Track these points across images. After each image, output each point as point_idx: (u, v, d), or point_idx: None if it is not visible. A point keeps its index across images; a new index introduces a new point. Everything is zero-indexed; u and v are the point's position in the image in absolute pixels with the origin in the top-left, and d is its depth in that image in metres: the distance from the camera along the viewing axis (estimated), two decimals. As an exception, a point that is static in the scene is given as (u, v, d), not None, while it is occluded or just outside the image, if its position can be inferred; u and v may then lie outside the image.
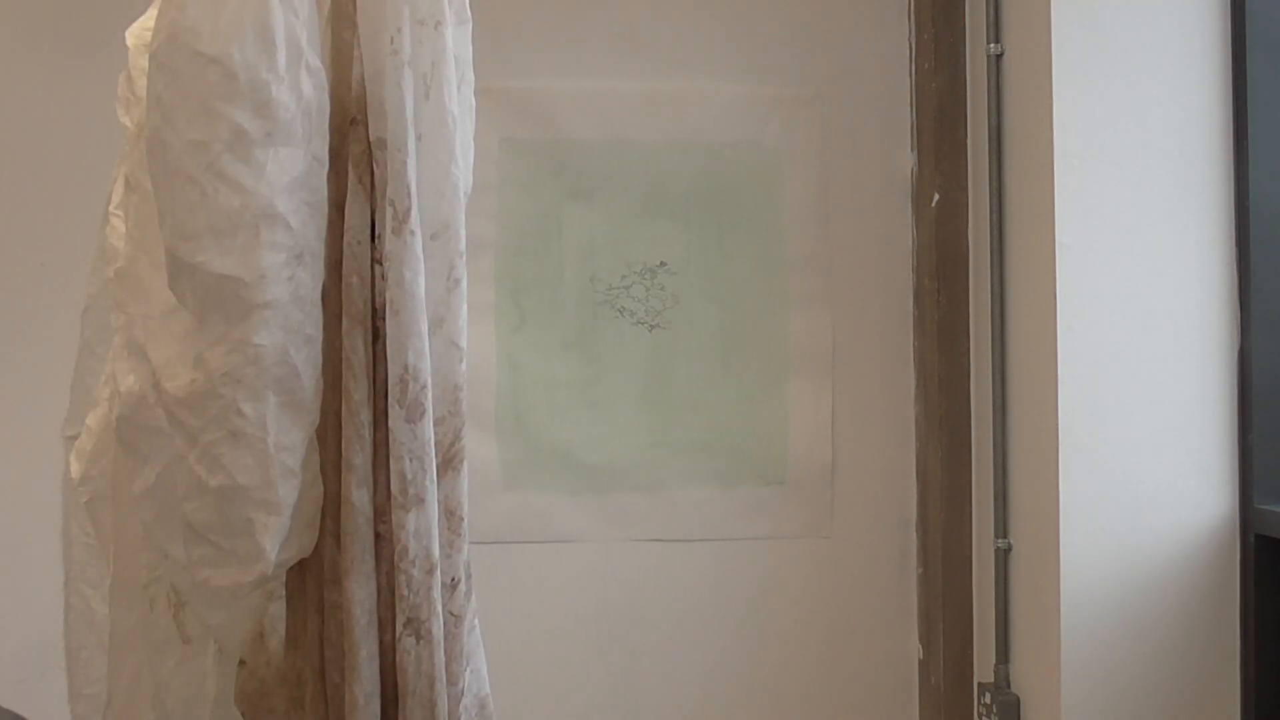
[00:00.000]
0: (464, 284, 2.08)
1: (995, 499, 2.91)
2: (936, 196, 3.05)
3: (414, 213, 1.98)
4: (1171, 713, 2.67)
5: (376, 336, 1.95)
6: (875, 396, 3.17)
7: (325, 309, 1.97)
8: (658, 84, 3.11)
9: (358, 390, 1.93)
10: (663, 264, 3.11)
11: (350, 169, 1.94)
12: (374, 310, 1.94)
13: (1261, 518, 2.64)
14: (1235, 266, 2.69)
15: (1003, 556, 2.90)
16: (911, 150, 3.16)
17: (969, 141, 3.03)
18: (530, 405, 3.09)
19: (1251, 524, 2.66)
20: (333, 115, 1.91)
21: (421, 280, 1.98)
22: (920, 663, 3.16)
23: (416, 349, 1.96)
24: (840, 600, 3.16)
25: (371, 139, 1.93)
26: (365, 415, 1.94)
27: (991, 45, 2.90)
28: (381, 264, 1.94)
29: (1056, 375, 2.66)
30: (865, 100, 3.16)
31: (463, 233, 2.08)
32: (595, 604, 3.11)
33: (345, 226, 1.95)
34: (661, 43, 3.11)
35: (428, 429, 1.98)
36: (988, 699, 2.93)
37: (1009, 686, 2.90)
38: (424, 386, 1.97)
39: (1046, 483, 2.69)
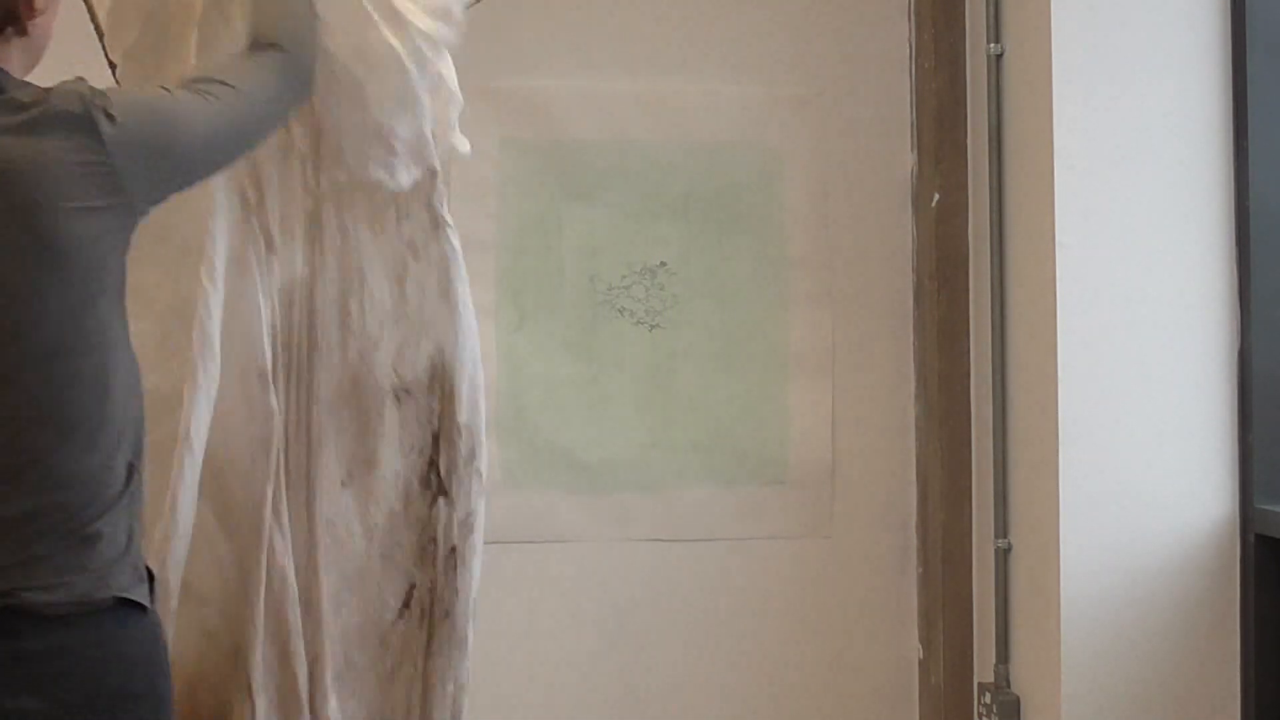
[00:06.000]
0: None
1: (995, 499, 2.91)
2: (936, 196, 3.05)
3: None
4: (1171, 713, 2.67)
5: None
6: (875, 396, 3.17)
7: None
8: (658, 84, 3.11)
9: None
10: (663, 264, 3.11)
11: None
12: None
13: (1261, 518, 2.64)
14: (1235, 266, 2.69)
15: (1003, 556, 2.90)
16: (911, 150, 3.16)
17: (969, 141, 3.03)
18: (530, 405, 3.08)
19: (1251, 524, 2.66)
20: None
21: None
22: (920, 663, 3.16)
23: None
24: (840, 600, 3.16)
25: None
26: None
27: (991, 45, 2.90)
28: None
29: (1056, 375, 2.66)
30: (865, 100, 3.16)
31: None
32: (595, 604, 3.10)
33: None
34: (661, 43, 3.11)
35: None
36: (988, 699, 2.93)
37: (1009, 686, 2.90)
38: None
39: (1046, 483, 2.69)
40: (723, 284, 3.13)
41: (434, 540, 2.16)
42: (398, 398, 2.13)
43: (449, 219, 2.14)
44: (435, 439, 2.16)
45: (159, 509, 1.97)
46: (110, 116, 1.67)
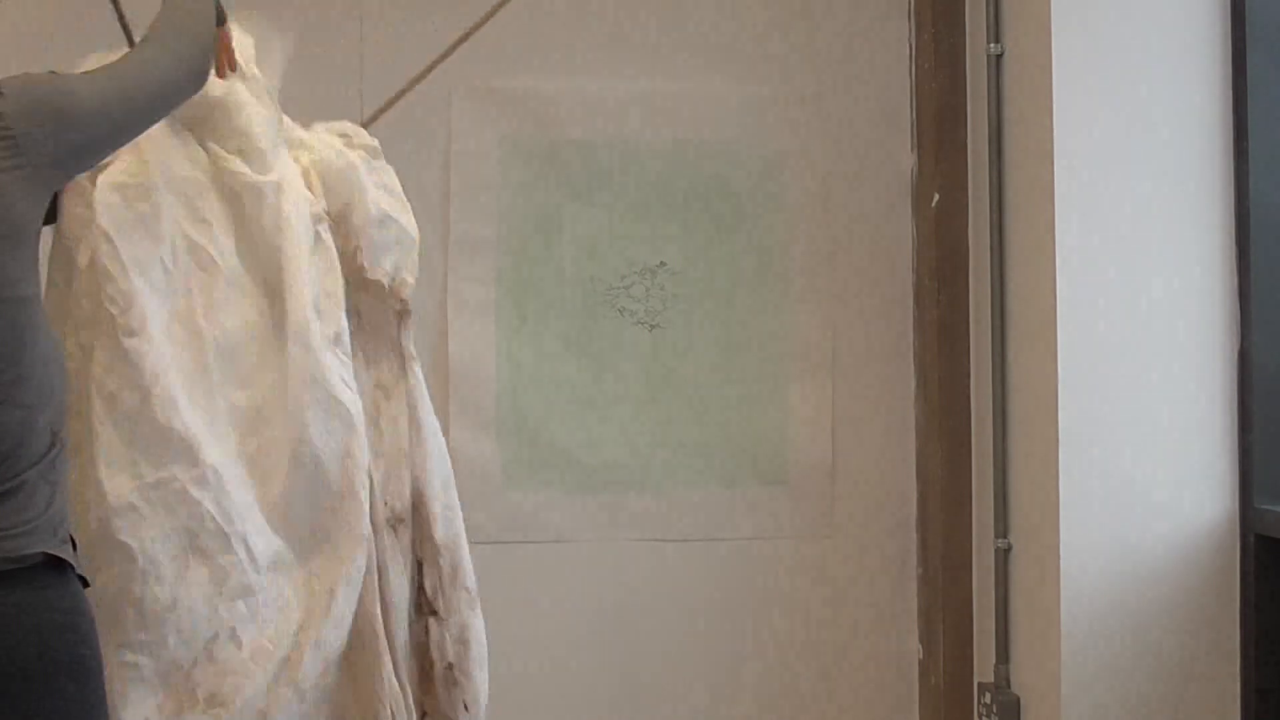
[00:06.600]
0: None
1: (995, 499, 2.91)
2: (936, 196, 3.05)
3: None
4: (1171, 713, 2.67)
5: None
6: (875, 396, 3.17)
7: None
8: (658, 84, 3.11)
9: None
10: (663, 264, 3.11)
11: None
12: None
13: (1261, 518, 2.64)
14: (1235, 266, 2.69)
15: (1003, 556, 2.90)
16: (911, 150, 3.16)
17: (969, 141, 3.03)
18: (530, 405, 3.08)
19: (1251, 524, 2.66)
20: None
21: None
22: (920, 663, 3.16)
23: None
24: (840, 600, 3.16)
25: None
26: None
27: (991, 45, 2.90)
28: None
29: (1056, 375, 2.66)
30: (865, 100, 3.16)
31: None
32: (595, 604, 3.10)
33: None
34: (661, 43, 3.11)
35: None
36: (988, 699, 2.93)
37: (1009, 686, 2.90)
38: None
39: (1046, 483, 2.69)
40: (723, 284, 3.13)
41: (430, 660, 2.17)
42: (394, 528, 2.16)
43: (415, 353, 2.23)
44: (419, 562, 2.19)
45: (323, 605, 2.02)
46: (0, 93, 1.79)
